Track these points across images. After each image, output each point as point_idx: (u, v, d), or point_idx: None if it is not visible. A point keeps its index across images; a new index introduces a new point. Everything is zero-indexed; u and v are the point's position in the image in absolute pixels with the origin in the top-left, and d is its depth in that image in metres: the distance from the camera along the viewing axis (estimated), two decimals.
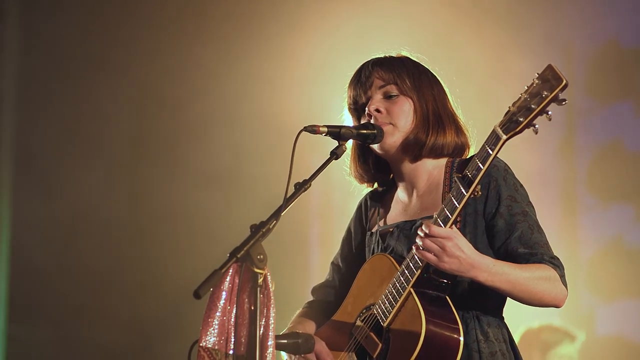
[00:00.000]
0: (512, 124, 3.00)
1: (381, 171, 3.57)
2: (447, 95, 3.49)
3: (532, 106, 2.95)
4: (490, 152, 3.04)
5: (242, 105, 6.98)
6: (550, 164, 6.67)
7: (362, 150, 3.54)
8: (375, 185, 3.63)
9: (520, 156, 6.10)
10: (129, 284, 6.91)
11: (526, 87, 3.00)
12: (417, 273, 3.16)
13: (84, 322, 6.94)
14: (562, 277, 3.21)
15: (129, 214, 7.05)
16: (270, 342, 2.87)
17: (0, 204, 6.96)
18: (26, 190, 6.99)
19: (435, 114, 3.41)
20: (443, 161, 3.43)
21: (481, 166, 3.06)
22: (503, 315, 3.38)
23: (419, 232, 3.12)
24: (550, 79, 2.94)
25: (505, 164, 3.34)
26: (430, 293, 3.19)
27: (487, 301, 3.29)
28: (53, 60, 7.05)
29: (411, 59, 3.52)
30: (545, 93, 2.93)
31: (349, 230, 3.69)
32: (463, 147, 3.44)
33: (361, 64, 3.52)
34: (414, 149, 3.39)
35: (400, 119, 3.39)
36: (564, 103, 2.95)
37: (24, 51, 7.10)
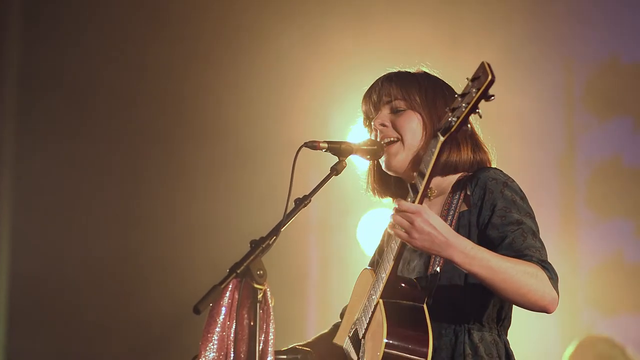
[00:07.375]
0: (448, 125, 3.01)
1: (400, 187, 3.47)
2: None
3: (463, 105, 2.96)
4: (432, 154, 3.05)
5: (241, 119, 7.00)
6: (550, 179, 6.68)
7: (379, 167, 3.46)
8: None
9: (519, 171, 6.10)
10: (128, 299, 6.91)
11: (462, 89, 3.00)
12: (383, 283, 3.12)
13: (84, 337, 6.93)
14: (552, 279, 3.07)
15: (129, 229, 7.05)
16: (270, 357, 2.89)
17: (0, 217, 6.98)
18: (27, 205, 7.01)
19: None
20: (456, 176, 3.36)
21: (425, 170, 3.06)
22: (504, 331, 3.30)
23: (392, 209, 3.07)
24: (480, 77, 2.93)
25: (508, 177, 3.27)
26: (402, 303, 3.13)
27: (482, 315, 3.23)
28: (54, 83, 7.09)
29: (428, 75, 3.46)
30: (474, 90, 2.93)
31: (374, 254, 3.64)
32: (482, 162, 3.36)
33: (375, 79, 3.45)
34: None
35: (407, 133, 3.33)
36: (492, 99, 2.93)
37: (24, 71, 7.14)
